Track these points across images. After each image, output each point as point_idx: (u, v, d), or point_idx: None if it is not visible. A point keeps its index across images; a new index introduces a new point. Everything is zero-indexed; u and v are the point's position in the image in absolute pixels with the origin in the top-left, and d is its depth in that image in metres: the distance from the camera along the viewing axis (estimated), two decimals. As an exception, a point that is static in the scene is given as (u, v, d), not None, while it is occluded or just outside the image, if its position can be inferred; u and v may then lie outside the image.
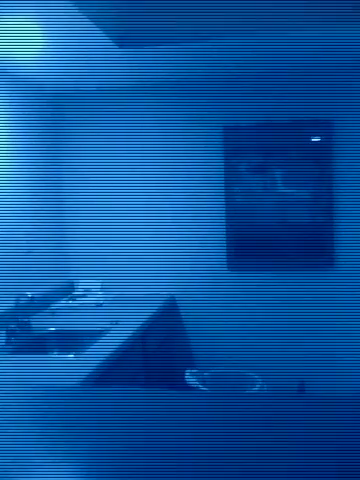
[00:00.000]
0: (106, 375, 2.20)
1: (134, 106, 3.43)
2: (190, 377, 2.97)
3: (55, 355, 2.69)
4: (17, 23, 2.12)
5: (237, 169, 3.37)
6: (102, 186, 3.52)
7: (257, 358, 3.37)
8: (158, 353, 3.12)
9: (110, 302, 3.33)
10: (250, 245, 3.41)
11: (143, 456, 1.12)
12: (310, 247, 3.34)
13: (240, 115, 3.31)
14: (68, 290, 3.50)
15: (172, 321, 3.50)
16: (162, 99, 3.39)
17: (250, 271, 3.42)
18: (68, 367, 2.16)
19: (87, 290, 3.48)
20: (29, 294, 2.72)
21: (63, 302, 3.28)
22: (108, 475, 1.07)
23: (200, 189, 3.41)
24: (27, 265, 3.03)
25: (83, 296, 3.39)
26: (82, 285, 3.52)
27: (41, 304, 3.05)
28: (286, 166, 3.33)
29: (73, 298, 3.36)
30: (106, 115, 3.47)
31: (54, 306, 3.18)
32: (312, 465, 1.06)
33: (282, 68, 3.13)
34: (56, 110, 3.49)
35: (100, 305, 3.26)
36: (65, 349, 2.63)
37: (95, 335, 2.61)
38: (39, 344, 2.68)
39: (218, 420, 1.29)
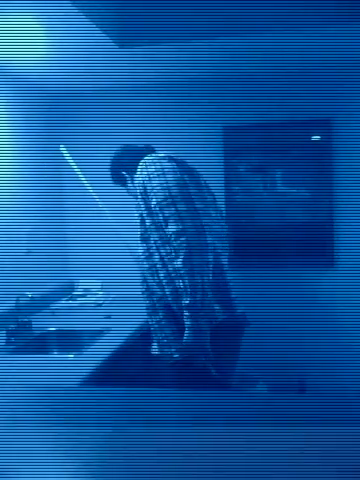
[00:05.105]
0: (106, 375, 2.20)
1: (134, 106, 3.42)
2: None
3: (55, 355, 2.69)
4: (17, 23, 2.12)
5: (237, 169, 3.37)
6: (102, 186, 3.51)
7: (257, 358, 3.36)
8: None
9: (110, 302, 3.33)
10: (250, 244, 3.41)
11: (143, 456, 1.12)
12: (310, 247, 3.34)
13: (240, 115, 3.30)
14: (68, 290, 3.50)
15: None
16: (162, 99, 3.38)
17: (250, 270, 3.42)
18: (68, 367, 2.16)
19: (87, 290, 3.47)
20: (29, 294, 2.72)
21: (63, 302, 3.28)
22: (108, 475, 1.07)
23: (200, 189, 3.40)
24: (27, 265, 3.03)
25: (83, 296, 3.39)
26: (82, 285, 3.52)
27: (41, 304, 3.05)
28: (286, 166, 3.33)
29: (73, 298, 3.36)
30: (106, 115, 3.47)
31: (54, 306, 3.18)
32: (312, 465, 1.06)
33: (282, 68, 3.13)
34: (56, 110, 3.49)
35: (100, 305, 3.26)
36: (65, 349, 2.64)
37: (95, 335, 2.61)
38: (39, 344, 2.68)
39: (218, 420, 1.29)
